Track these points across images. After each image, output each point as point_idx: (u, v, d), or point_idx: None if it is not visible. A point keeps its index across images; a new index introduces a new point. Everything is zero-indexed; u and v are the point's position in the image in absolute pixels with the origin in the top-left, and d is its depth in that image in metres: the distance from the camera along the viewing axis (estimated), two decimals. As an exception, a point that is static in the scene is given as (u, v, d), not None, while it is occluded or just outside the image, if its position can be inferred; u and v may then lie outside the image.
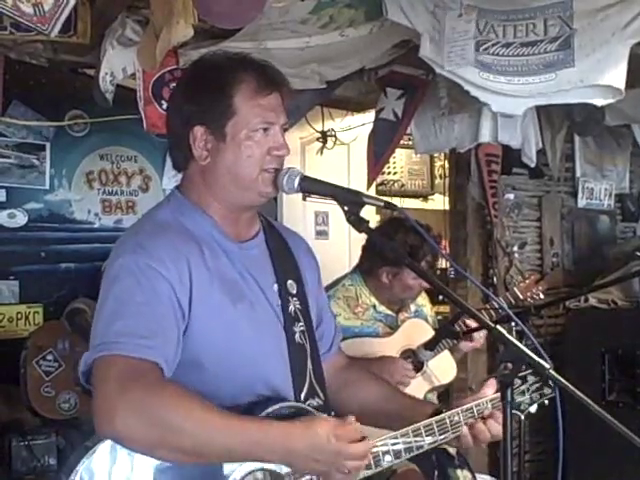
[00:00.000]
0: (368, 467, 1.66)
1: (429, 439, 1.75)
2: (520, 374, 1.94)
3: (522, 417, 1.94)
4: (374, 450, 1.67)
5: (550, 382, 1.94)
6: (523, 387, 1.97)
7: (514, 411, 1.86)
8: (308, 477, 1.63)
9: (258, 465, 1.59)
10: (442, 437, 1.78)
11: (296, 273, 1.90)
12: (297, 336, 1.81)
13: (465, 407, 1.85)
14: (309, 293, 1.92)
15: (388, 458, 1.69)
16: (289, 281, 1.86)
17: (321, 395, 1.83)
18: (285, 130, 1.79)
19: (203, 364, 1.64)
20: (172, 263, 1.61)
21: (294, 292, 1.85)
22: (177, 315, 1.60)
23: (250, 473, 1.59)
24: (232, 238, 1.78)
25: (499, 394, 1.81)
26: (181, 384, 1.54)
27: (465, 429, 1.83)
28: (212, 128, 1.72)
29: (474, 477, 3.11)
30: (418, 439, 1.74)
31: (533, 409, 1.98)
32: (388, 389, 2.06)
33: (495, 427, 1.81)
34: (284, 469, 1.61)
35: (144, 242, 1.64)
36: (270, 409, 1.64)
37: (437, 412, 1.84)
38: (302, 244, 2.02)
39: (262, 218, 1.93)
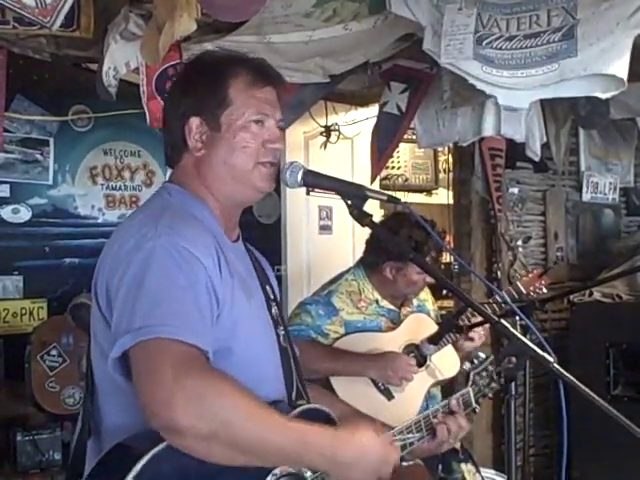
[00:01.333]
0: None
1: (418, 435, 1.82)
2: (481, 366, 1.98)
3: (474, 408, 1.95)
4: None
5: (497, 377, 1.98)
6: (480, 379, 1.99)
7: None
8: None
9: (284, 470, 1.57)
10: (427, 432, 1.84)
11: (269, 280, 1.92)
12: (281, 339, 1.82)
13: (442, 403, 1.92)
14: (279, 300, 1.94)
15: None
16: (267, 286, 1.87)
17: (305, 397, 1.84)
18: (281, 128, 1.80)
19: (232, 352, 1.60)
20: (205, 249, 1.58)
21: (272, 297, 1.87)
22: (212, 302, 1.56)
23: (280, 478, 1.58)
24: (228, 236, 1.78)
25: (467, 388, 1.94)
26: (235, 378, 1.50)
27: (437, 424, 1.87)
28: (207, 119, 1.73)
29: (478, 471, 3.11)
30: (409, 436, 1.79)
31: (476, 404, 1.98)
32: (348, 409, 2.08)
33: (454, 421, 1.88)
34: (308, 473, 1.60)
35: (174, 225, 1.58)
36: (297, 411, 1.67)
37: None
38: (263, 258, 2.01)
39: None
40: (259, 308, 1.75)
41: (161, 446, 1.44)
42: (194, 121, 1.73)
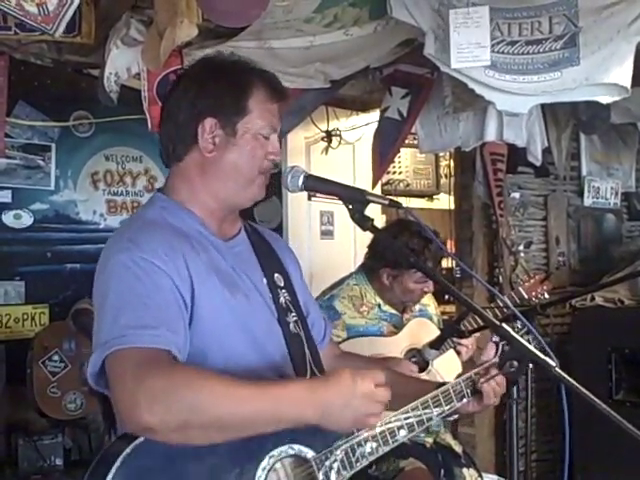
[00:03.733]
0: (385, 442, 1.68)
1: (437, 410, 1.78)
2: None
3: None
4: (389, 426, 1.69)
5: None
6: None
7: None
8: (334, 458, 1.63)
9: (285, 449, 1.58)
10: (448, 407, 1.81)
11: (280, 266, 1.94)
12: (292, 326, 1.84)
13: (465, 376, 1.88)
14: (295, 285, 1.95)
15: (403, 432, 1.71)
16: (275, 274, 1.89)
17: None
18: (281, 136, 1.91)
19: (207, 355, 1.64)
20: (167, 256, 1.63)
21: (282, 285, 1.89)
22: (180, 305, 1.61)
23: (279, 460, 1.59)
24: (217, 235, 1.81)
25: (495, 359, 1.87)
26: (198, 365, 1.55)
27: (483, 383, 1.85)
28: (223, 122, 1.77)
29: (480, 476, 3.10)
30: (427, 411, 1.76)
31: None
32: (393, 373, 2.09)
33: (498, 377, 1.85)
34: (310, 453, 1.61)
35: (135, 238, 1.65)
36: None
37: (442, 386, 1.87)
38: (281, 241, 2.09)
39: (243, 221, 1.96)
40: (247, 301, 1.75)
41: (138, 441, 1.48)
42: (209, 122, 1.76)
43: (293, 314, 1.87)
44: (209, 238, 1.78)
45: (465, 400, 1.85)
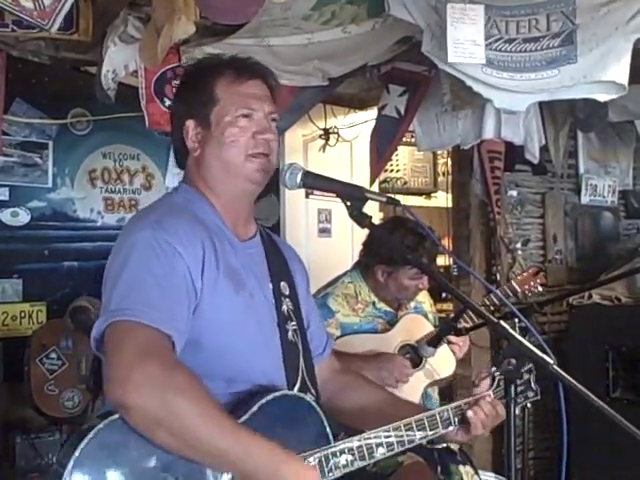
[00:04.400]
0: (362, 457, 1.68)
1: (420, 433, 1.79)
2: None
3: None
4: (368, 442, 1.70)
5: (534, 386, 2.00)
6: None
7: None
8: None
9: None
10: (432, 432, 1.81)
11: (288, 276, 1.96)
12: (290, 334, 1.85)
13: (454, 404, 1.88)
14: (300, 296, 1.97)
15: (381, 450, 1.72)
16: (282, 282, 1.91)
17: (313, 392, 1.86)
18: (275, 120, 1.86)
19: (203, 344, 1.66)
20: (189, 242, 1.66)
21: (287, 293, 1.91)
22: (190, 294, 1.64)
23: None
24: (233, 234, 1.84)
25: (488, 392, 1.89)
26: (194, 372, 1.55)
27: (470, 413, 1.86)
28: (199, 119, 1.82)
29: (476, 473, 3.10)
30: (409, 433, 1.77)
31: (517, 411, 1.96)
32: (387, 394, 2.11)
33: (486, 406, 1.86)
34: None
35: (162, 220, 1.69)
36: (264, 400, 1.66)
37: None
38: (294, 253, 2.10)
39: (260, 226, 1.98)
40: (251, 301, 1.77)
41: (114, 417, 1.51)
42: (190, 124, 1.83)
43: (293, 323, 1.88)
44: (225, 232, 1.81)
45: (451, 428, 1.85)
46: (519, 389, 1.95)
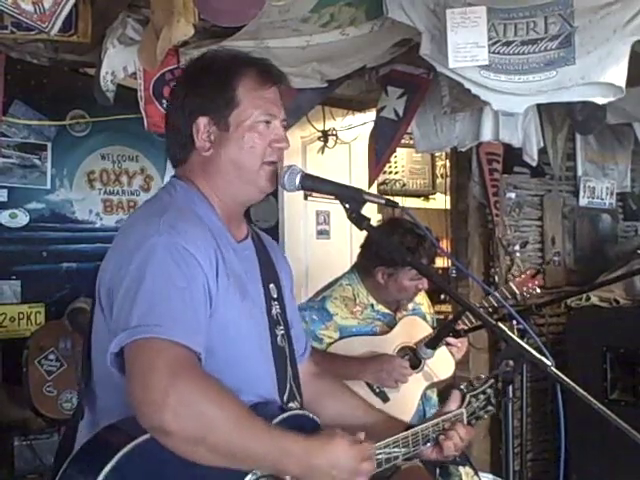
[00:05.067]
0: None
1: (404, 450, 1.78)
2: (479, 389, 1.96)
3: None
4: None
5: (493, 400, 1.97)
6: (476, 402, 1.97)
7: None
8: None
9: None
10: (413, 449, 1.81)
11: (276, 277, 1.92)
12: (279, 339, 1.82)
13: (433, 422, 1.87)
14: (285, 298, 1.93)
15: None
16: (271, 285, 1.87)
17: (299, 398, 1.85)
18: (285, 128, 1.81)
19: (214, 353, 1.60)
20: (205, 250, 1.60)
21: (275, 296, 1.87)
22: (207, 302, 1.59)
23: (261, 477, 1.58)
24: (231, 234, 1.79)
25: (461, 410, 1.90)
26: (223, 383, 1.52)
27: (442, 437, 1.85)
28: (216, 119, 1.74)
29: (476, 474, 3.10)
30: (395, 450, 1.76)
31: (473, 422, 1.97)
32: (362, 403, 2.08)
33: (455, 435, 1.85)
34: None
35: (176, 224, 1.60)
36: (280, 417, 1.66)
37: (409, 427, 1.87)
38: (279, 251, 2.05)
39: (249, 225, 1.93)
40: (253, 308, 1.75)
41: (144, 437, 1.46)
42: (202, 121, 1.74)
43: (281, 327, 1.85)
44: (227, 236, 1.76)
45: (429, 445, 1.85)
46: (482, 404, 1.95)
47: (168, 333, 1.47)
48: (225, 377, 1.56)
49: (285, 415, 1.68)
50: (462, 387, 1.94)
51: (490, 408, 1.96)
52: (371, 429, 1.79)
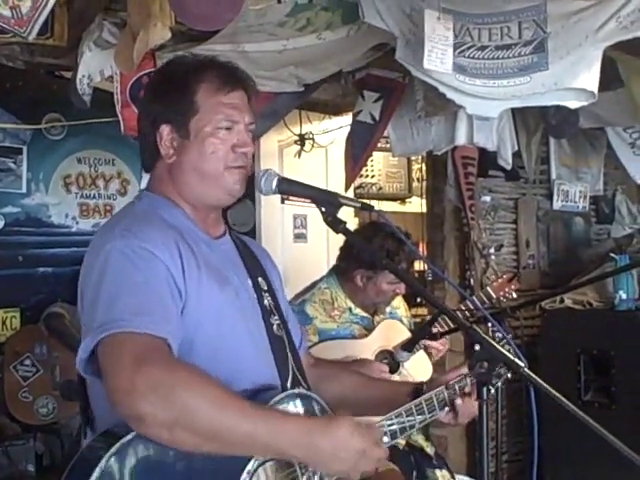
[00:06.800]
0: None
1: (420, 417, 1.79)
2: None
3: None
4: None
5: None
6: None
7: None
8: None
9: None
10: (430, 415, 1.82)
11: (263, 272, 1.94)
12: (275, 328, 1.84)
13: (449, 384, 1.88)
14: (277, 292, 1.95)
15: (385, 439, 1.71)
16: (259, 278, 1.89)
17: (304, 384, 1.84)
18: (251, 131, 1.82)
19: (196, 344, 1.62)
20: (163, 245, 1.62)
21: (265, 288, 1.89)
22: (174, 294, 1.60)
23: (263, 464, 1.58)
24: (205, 232, 1.81)
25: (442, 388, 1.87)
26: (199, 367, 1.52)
27: (459, 401, 1.87)
28: (177, 126, 1.75)
29: (453, 477, 3.13)
30: (410, 418, 1.76)
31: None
32: (362, 377, 2.11)
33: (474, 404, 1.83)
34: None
35: (131, 227, 1.63)
36: (277, 397, 1.65)
37: (417, 389, 1.89)
38: (263, 249, 2.07)
39: (227, 227, 1.95)
40: (237, 298, 1.75)
41: (129, 437, 1.46)
42: (165, 129, 1.76)
43: (276, 317, 1.86)
44: (198, 234, 1.77)
45: (446, 409, 1.85)
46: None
47: (131, 325, 1.49)
48: (211, 365, 1.56)
49: (283, 395, 1.67)
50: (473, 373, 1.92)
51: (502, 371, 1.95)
52: (378, 401, 1.80)
